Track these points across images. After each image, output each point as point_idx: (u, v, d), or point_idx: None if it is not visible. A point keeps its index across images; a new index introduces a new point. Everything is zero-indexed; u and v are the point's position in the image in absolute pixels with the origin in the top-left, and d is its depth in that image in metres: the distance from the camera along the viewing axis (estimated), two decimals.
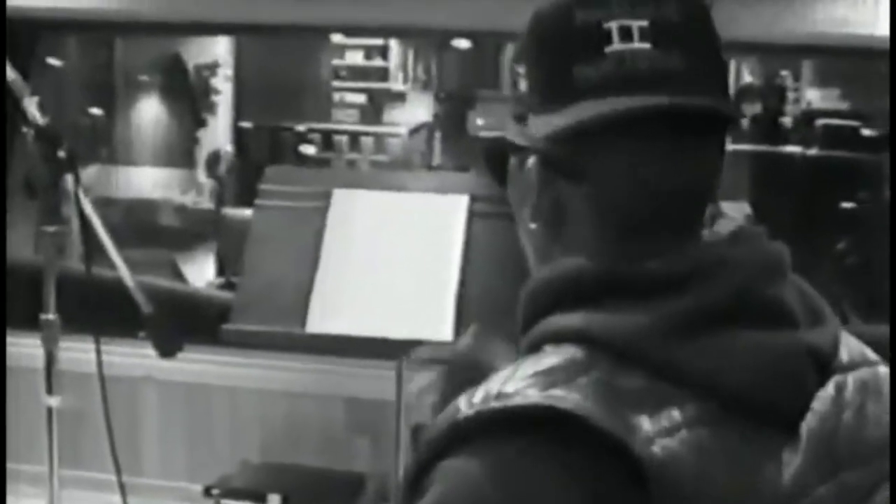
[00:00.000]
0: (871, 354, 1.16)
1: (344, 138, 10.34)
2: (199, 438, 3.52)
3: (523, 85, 1.09)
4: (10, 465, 2.82)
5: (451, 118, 10.24)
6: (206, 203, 9.80)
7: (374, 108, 10.72)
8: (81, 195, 1.93)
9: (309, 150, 10.23)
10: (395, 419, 2.71)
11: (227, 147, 10.42)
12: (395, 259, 2.51)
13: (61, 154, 1.90)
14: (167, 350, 2.21)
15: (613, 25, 1.03)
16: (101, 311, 2.11)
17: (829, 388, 1.07)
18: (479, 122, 9.45)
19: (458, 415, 0.97)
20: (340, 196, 2.60)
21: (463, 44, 8.97)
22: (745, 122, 9.09)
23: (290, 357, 3.36)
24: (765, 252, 1.08)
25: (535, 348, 1.04)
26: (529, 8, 1.10)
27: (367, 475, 3.22)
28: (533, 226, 1.11)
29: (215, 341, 2.64)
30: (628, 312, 1.00)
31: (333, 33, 8.27)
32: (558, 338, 1.03)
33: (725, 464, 0.95)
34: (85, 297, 2.04)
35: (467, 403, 0.97)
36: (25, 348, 2.23)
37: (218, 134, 10.64)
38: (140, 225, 9.30)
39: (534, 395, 0.95)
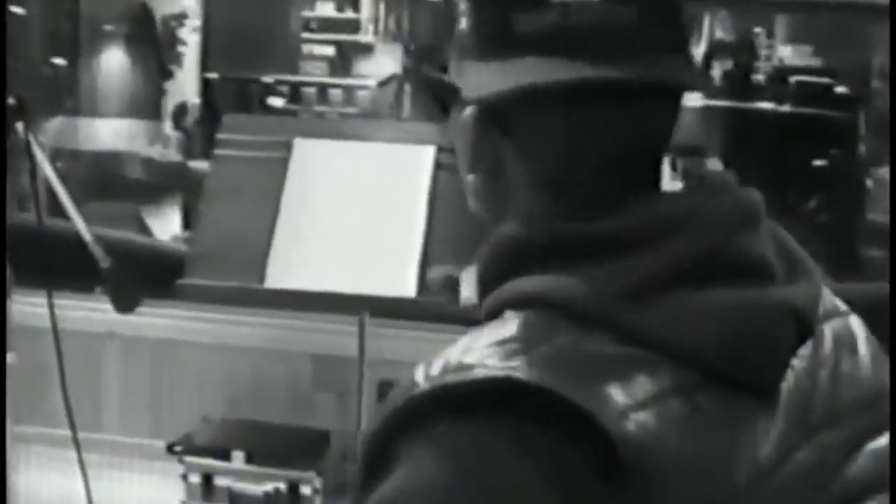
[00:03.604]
0: (842, 305, 1.09)
1: (312, 90, 10.23)
2: (163, 395, 3.47)
3: (464, 23, 1.01)
4: None
5: (421, 71, 10.16)
6: (173, 155, 9.69)
7: (343, 60, 10.60)
8: (34, 144, 1.84)
9: (277, 102, 10.12)
10: (359, 375, 2.67)
11: (194, 99, 10.29)
12: (357, 211, 2.42)
13: (10, 101, 1.79)
14: (124, 305, 2.15)
15: None
16: (56, 264, 2.04)
17: (808, 344, 1.00)
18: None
19: (413, 389, 0.88)
20: (302, 146, 2.50)
21: None
22: (716, 78, 9.06)
23: (255, 313, 3.31)
24: (733, 200, 0.99)
25: (495, 315, 0.96)
26: None
27: (333, 432, 3.19)
28: (470, 177, 1.04)
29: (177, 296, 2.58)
30: (584, 274, 0.92)
31: None
32: (518, 303, 0.95)
33: (704, 436, 0.89)
34: (39, 251, 1.96)
35: (424, 375, 0.89)
36: None
37: (185, 86, 10.50)
38: (105, 177, 9.18)
39: (493, 367, 0.86)
